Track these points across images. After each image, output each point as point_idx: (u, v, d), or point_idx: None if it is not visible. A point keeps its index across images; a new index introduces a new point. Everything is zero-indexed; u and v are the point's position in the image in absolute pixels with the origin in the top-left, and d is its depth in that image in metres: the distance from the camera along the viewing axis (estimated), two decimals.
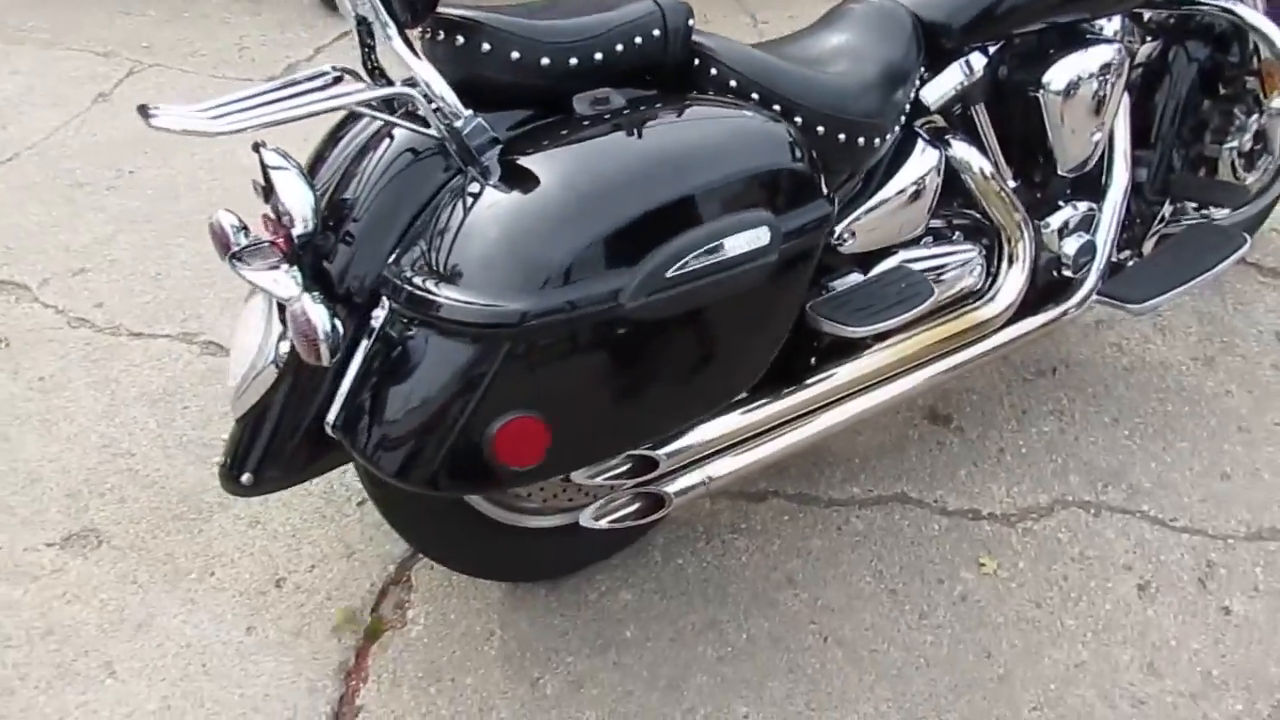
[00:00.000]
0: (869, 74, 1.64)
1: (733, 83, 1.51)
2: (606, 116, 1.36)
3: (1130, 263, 2.06)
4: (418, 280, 1.26)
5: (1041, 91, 1.78)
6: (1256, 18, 1.95)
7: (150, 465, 2.02)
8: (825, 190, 1.47)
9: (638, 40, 1.43)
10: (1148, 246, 2.10)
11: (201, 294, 2.46)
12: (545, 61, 1.38)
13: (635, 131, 1.34)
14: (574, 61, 1.39)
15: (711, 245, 1.30)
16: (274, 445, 1.40)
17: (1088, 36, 1.85)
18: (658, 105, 1.42)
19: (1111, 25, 1.89)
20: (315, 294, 1.27)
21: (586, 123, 1.36)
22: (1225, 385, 2.20)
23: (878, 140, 1.62)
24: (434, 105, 1.31)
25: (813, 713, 1.62)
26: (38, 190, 2.84)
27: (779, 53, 1.63)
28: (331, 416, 1.33)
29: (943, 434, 2.08)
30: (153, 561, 1.84)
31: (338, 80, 1.35)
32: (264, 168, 1.38)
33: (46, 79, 3.41)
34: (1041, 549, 1.85)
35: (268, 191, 1.38)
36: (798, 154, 1.43)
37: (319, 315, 1.25)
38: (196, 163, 2.95)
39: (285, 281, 1.31)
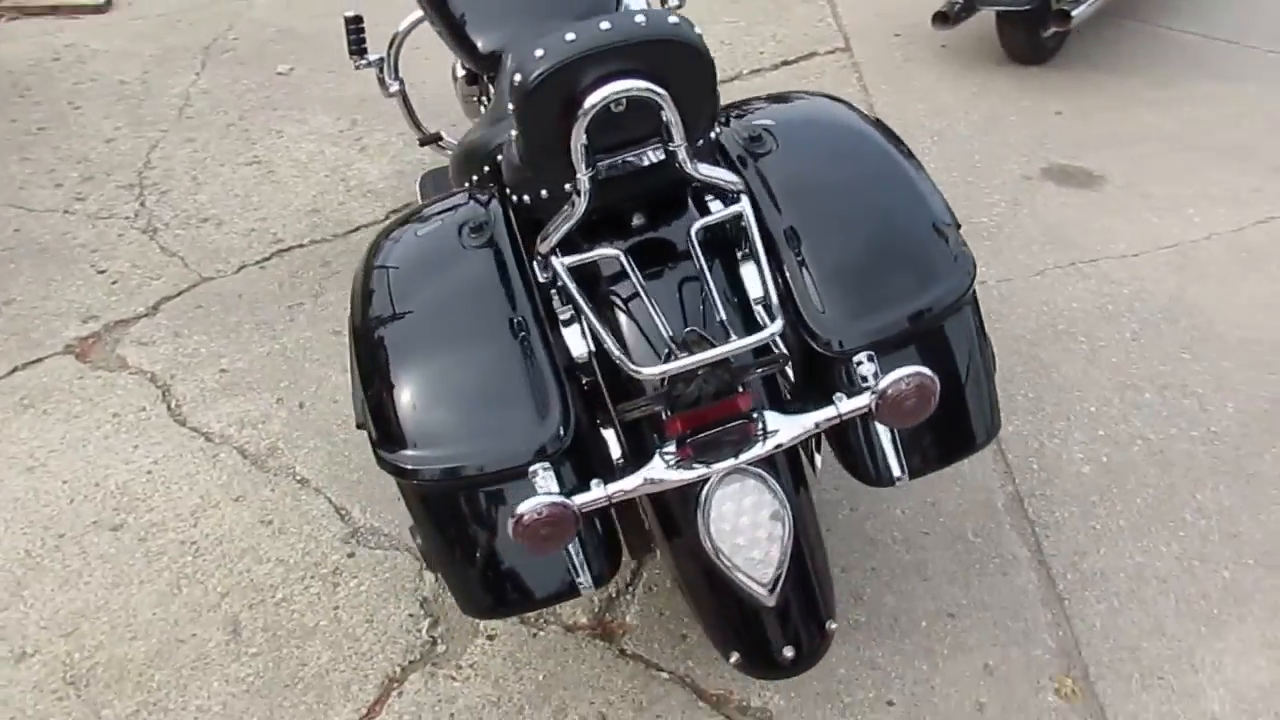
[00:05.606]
0: None
1: None
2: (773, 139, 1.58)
3: None
4: (877, 313, 1.41)
5: None
6: None
7: None
8: None
9: None
10: None
11: None
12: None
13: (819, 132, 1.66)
14: None
15: None
16: (823, 590, 1.43)
17: None
18: (758, 107, 1.66)
19: None
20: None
21: (757, 142, 1.57)
22: None
23: None
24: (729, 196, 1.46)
25: None
26: None
27: None
28: (897, 472, 1.42)
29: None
30: None
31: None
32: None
33: None
34: None
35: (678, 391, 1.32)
36: None
37: (923, 368, 1.29)
38: None
39: (809, 413, 1.35)
